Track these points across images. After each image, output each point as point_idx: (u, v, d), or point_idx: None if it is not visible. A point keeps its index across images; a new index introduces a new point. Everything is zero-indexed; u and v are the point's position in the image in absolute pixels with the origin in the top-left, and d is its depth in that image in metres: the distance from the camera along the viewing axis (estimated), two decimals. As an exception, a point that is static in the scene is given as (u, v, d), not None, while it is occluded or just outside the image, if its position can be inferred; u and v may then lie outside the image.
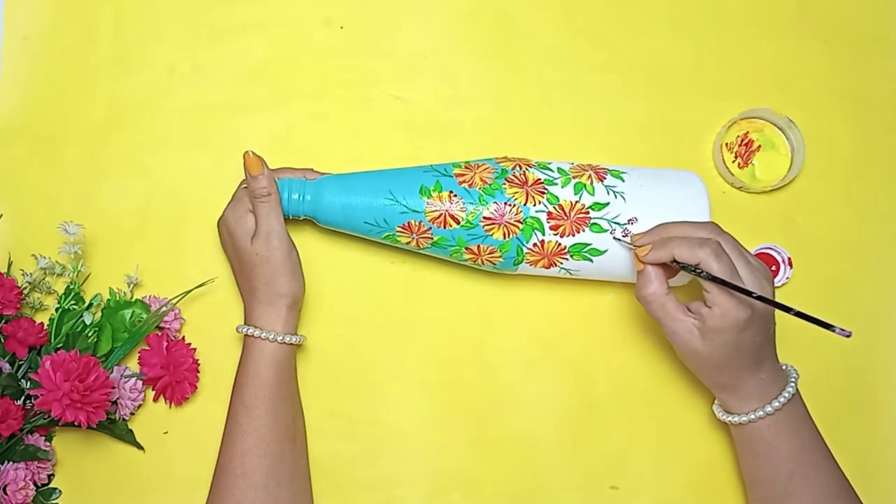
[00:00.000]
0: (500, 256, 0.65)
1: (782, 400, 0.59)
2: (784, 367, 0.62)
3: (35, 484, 0.64)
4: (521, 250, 0.64)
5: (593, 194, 0.63)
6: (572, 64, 0.75)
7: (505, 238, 0.63)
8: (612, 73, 0.75)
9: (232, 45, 0.74)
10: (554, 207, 0.63)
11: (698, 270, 0.57)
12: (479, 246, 0.64)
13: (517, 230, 0.63)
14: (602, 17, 0.76)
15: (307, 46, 0.75)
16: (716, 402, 0.64)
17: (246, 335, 0.64)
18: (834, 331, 0.52)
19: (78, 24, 0.74)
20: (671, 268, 0.60)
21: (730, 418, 0.61)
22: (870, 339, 0.72)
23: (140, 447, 0.67)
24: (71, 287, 0.68)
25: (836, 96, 0.75)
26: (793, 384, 0.60)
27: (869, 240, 0.73)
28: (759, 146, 0.73)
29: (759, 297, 0.55)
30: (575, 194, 0.63)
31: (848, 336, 0.52)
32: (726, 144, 0.73)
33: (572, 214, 0.63)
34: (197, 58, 0.74)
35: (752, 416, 0.60)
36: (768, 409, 0.59)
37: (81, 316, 0.67)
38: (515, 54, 0.75)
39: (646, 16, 0.76)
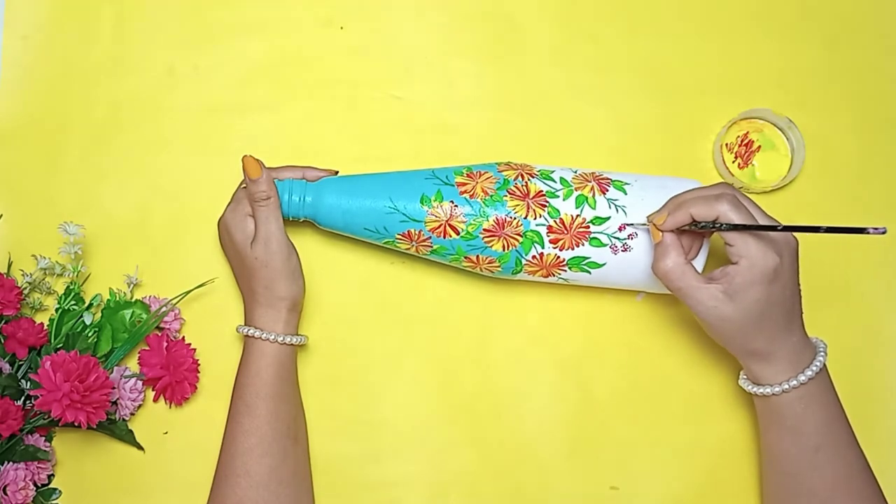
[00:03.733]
0: (498, 266, 0.65)
1: (815, 369, 0.59)
2: (812, 340, 0.61)
3: (35, 484, 0.64)
4: (520, 261, 0.64)
5: (595, 208, 0.63)
6: (572, 64, 0.75)
7: (504, 250, 0.63)
8: (612, 73, 0.75)
9: (232, 45, 0.74)
10: (555, 221, 0.63)
11: (718, 224, 0.57)
12: (478, 256, 0.64)
13: (517, 243, 0.63)
14: (602, 17, 0.76)
15: (307, 46, 0.75)
16: (742, 375, 0.63)
17: (246, 336, 0.64)
18: (868, 232, 0.50)
19: (78, 24, 0.74)
20: (689, 241, 0.60)
21: (761, 390, 0.60)
22: (870, 340, 0.72)
23: (140, 447, 0.67)
24: (71, 287, 0.68)
25: (836, 96, 0.75)
26: (822, 354, 0.60)
27: (869, 240, 0.73)
28: (759, 146, 0.73)
29: (786, 227, 0.54)
30: (576, 207, 0.63)
31: (883, 233, 0.50)
32: (726, 145, 0.73)
33: (573, 229, 0.63)
34: (197, 58, 0.74)
35: (786, 387, 0.59)
36: (801, 378, 0.58)
37: (81, 316, 0.67)
38: (515, 54, 0.75)
39: (646, 16, 0.76)
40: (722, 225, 0.57)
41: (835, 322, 0.72)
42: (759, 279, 0.56)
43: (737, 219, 0.56)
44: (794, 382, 0.59)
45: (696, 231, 0.60)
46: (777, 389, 0.59)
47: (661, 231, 0.60)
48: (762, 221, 0.58)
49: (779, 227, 0.55)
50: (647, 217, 0.62)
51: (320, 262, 0.70)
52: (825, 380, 0.60)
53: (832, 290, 0.72)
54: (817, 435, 0.59)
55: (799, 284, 0.60)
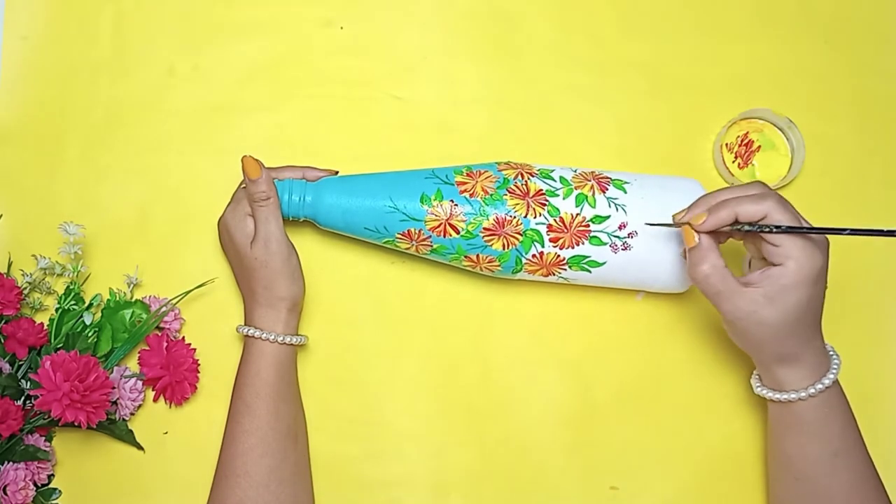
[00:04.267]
0: (498, 265, 0.65)
1: (834, 373, 0.58)
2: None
3: (35, 484, 0.64)
4: (520, 260, 0.64)
5: (594, 206, 0.63)
6: (572, 64, 0.75)
7: (504, 249, 0.63)
8: (612, 73, 0.75)
9: (232, 45, 0.74)
10: (555, 220, 0.63)
11: (761, 226, 0.55)
12: (478, 255, 0.64)
13: (517, 242, 0.63)
14: (602, 17, 0.76)
15: (307, 46, 0.75)
16: (758, 382, 0.62)
17: (246, 336, 0.64)
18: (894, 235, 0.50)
19: (78, 24, 0.74)
20: (722, 240, 0.59)
21: (784, 396, 0.59)
22: (871, 341, 0.72)
23: (140, 447, 0.67)
24: (71, 287, 0.68)
25: (836, 96, 0.75)
26: (837, 358, 0.59)
27: (869, 239, 0.73)
28: (759, 146, 0.73)
29: (831, 230, 0.53)
30: (576, 206, 0.63)
31: None
32: (726, 145, 0.73)
33: (572, 227, 0.63)
34: (197, 58, 0.74)
35: (812, 391, 0.58)
36: (825, 381, 0.58)
37: (81, 316, 0.67)
38: (515, 54, 0.75)
39: (646, 16, 0.76)
40: (766, 227, 0.55)
41: (835, 324, 0.71)
42: (805, 281, 0.55)
43: (784, 218, 0.55)
44: (820, 387, 0.58)
45: (734, 233, 0.58)
46: (803, 395, 0.58)
47: (699, 232, 0.57)
48: (801, 218, 0.57)
49: (828, 230, 0.53)
50: (675, 217, 0.60)
51: (320, 262, 0.70)
52: (838, 384, 0.60)
53: (832, 290, 0.72)
54: (837, 440, 0.59)
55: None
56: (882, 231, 0.51)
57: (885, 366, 0.72)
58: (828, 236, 0.58)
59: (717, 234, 0.58)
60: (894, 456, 0.70)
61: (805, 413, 0.59)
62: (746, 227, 0.56)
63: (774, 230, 0.55)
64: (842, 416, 0.59)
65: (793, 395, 0.59)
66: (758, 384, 0.62)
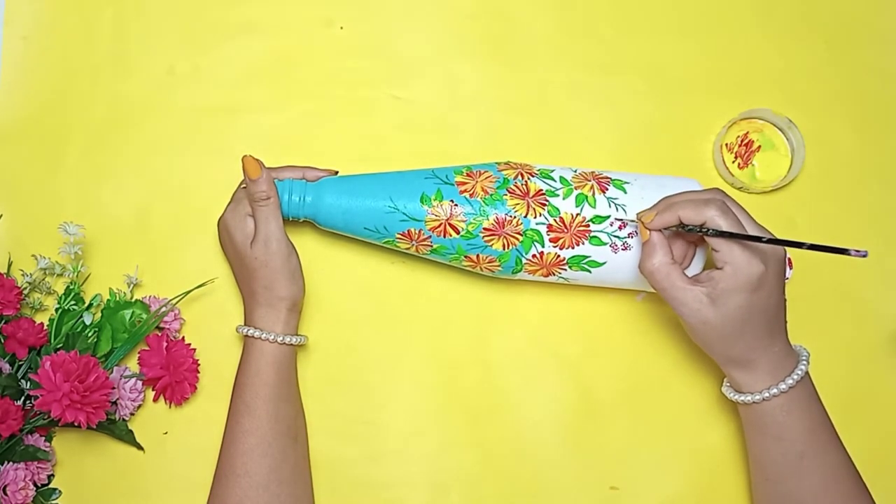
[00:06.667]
0: (498, 265, 0.65)
1: (795, 377, 0.58)
2: (794, 347, 0.61)
3: (35, 484, 0.64)
4: (520, 261, 0.64)
5: (594, 206, 0.63)
6: (572, 64, 0.75)
7: (504, 249, 0.63)
8: (612, 73, 0.75)
9: (232, 45, 0.74)
10: (555, 220, 0.63)
11: (705, 230, 0.57)
12: (478, 255, 0.64)
13: (517, 242, 0.63)
14: (602, 17, 0.76)
15: (307, 46, 0.75)
16: (725, 382, 0.63)
17: (246, 336, 0.64)
18: (850, 254, 0.51)
19: (78, 25, 0.74)
20: (677, 243, 0.60)
21: (741, 398, 0.60)
22: (871, 340, 0.72)
23: (140, 447, 0.67)
24: (71, 287, 0.68)
25: (836, 96, 0.75)
26: (804, 362, 0.59)
27: (869, 240, 0.73)
28: (759, 146, 0.73)
29: (770, 240, 0.54)
30: (576, 206, 0.63)
31: (864, 256, 0.50)
32: (726, 145, 0.73)
33: (573, 227, 0.63)
34: (197, 58, 0.74)
35: (766, 395, 0.59)
36: (782, 386, 0.58)
37: (81, 316, 0.67)
38: (515, 55, 0.75)
39: (646, 16, 0.76)
40: (708, 230, 0.57)
41: (827, 324, 0.72)
42: (742, 286, 0.56)
43: (724, 225, 0.56)
44: (775, 391, 0.59)
45: (683, 234, 0.60)
46: (758, 398, 0.59)
47: (649, 230, 0.60)
48: (750, 229, 0.58)
49: (763, 240, 0.55)
50: (636, 214, 0.62)
51: (320, 262, 0.70)
52: (808, 387, 0.60)
53: (831, 290, 0.72)
54: (801, 442, 0.59)
55: (784, 294, 0.59)
56: (839, 249, 0.51)
57: (874, 362, 0.72)
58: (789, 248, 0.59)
59: (683, 236, 0.61)
60: (883, 454, 0.70)
61: (765, 415, 0.60)
62: (689, 229, 0.58)
63: (711, 233, 0.56)
64: (807, 419, 0.59)
65: (748, 398, 0.60)
66: (725, 384, 0.63)
